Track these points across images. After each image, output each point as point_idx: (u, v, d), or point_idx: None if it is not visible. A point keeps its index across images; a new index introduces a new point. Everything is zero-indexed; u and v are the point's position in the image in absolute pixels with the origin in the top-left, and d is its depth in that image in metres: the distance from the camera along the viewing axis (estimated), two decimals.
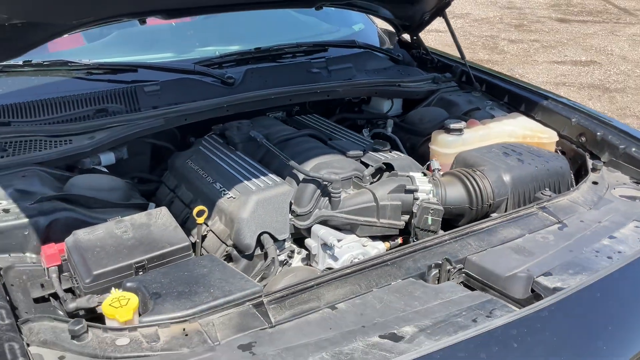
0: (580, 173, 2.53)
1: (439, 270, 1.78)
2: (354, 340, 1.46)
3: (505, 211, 2.24)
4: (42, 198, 1.93)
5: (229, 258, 2.05)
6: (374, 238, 2.16)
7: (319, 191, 2.11)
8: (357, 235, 2.12)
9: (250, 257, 2.05)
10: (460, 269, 1.80)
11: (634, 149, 2.40)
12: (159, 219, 1.91)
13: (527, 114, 2.80)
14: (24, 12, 1.93)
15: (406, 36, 3.55)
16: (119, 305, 1.57)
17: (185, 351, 1.44)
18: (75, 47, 2.93)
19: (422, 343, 1.43)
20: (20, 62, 2.56)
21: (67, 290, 1.76)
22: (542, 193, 2.21)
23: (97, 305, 1.69)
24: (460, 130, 2.50)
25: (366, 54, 3.18)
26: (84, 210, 1.99)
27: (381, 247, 2.12)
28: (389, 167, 2.27)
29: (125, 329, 1.49)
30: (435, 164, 2.25)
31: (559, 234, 1.98)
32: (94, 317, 1.69)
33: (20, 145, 2.23)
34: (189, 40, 3.13)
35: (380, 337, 1.47)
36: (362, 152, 2.30)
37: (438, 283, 1.79)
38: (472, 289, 1.74)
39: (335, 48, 3.20)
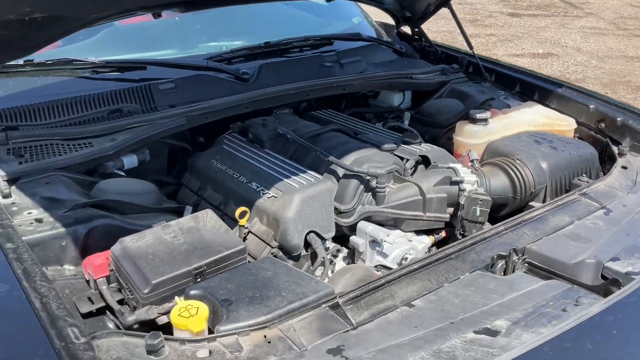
0: (602, 159, 2.54)
1: (506, 261, 1.74)
2: (449, 337, 1.41)
3: (544, 199, 2.22)
4: (76, 205, 1.80)
5: None
6: (418, 232, 2.10)
7: (362, 186, 2.04)
8: (402, 230, 2.06)
9: (296, 258, 1.96)
10: (524, 259, 1.77)
11: None
12: (208, 222, 1.80)
13: (542, 102, 2.80)
14: (48, 5, 1.79)
15: (405, 29, 3.51)
16: (189, 315, 1.46)
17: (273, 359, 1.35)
18: (51, 49, 2.74)
19: (521, 336, 1.39)
20: (21, 62, 2.39)
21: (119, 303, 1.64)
22: (579, 179, 2.21)
23: (157, 317, 1.58)
24: (486, 120, 2.47)
25: (373, 47, 3.13)
26: (120, 216, 1.86)
27: (426, 241, 2.07)
28: (425, 159, 2.22)
29: (203, 339, 1.39)
30: (473, 154, 2.22)
31: (607, 220, 1.97)
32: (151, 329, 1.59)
33: (37, 150, 2.07)
34: (185, 37, 3.00)
35: (475, 332, 1.42)
36: (395, 145, 2.25)
37: (504, 274, 1.75)
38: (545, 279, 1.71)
39: (339, 41, 3.12)
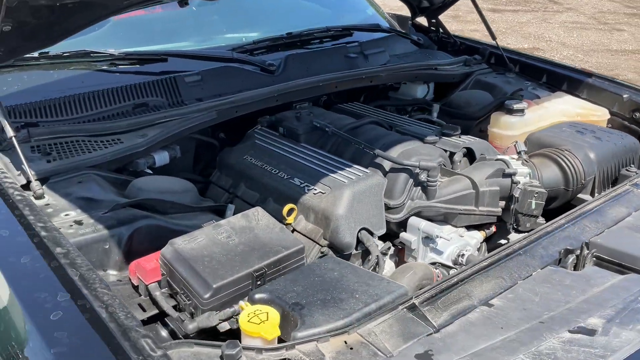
0: None
1: (577, 255, 1.66)
2: (543, 338, 1.32)
3: (592, 190, 2.16)
4: (117, 205, 1.67)
5: None
6: (468, 227, 2.01)
7: (411, 180, 1.95)
8: (453, 226, 1.98)
9: (347, 257, 1.86)
10: (593, 253, 1.69)
11: None
12: (260, 221, 1.68)
13: (572, 92, 2.74)
14: None
15: (420, 20, 3.43)
16: (259, 321, 1.35)
17: None
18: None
19: (620, 334, 1.31)
20: (36, 54, 2.24)
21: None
22: (627, 170, 2.15)
23: (219, 323, 1.46)
24: (522, 111, 2.40)
25: (393, 38, 3.04)
26: (162, 216, 1.74)
27: (478, 236, 1.98)
28: (469, 151, 2.14)
29: (281, 347, 1.28)
30: (520, 145, 2.13)
31: None
32: (211, 337, 1.47)
33: (63, 148, 1.93)
34: (200, 28, 2.87)
35: (570, 332, 1.34)
36: (438, 138, 2.16)
37: (575, 269, 1.67)
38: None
39: (358, 32, 3.03)
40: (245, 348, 1.25)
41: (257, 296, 1.43)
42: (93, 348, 1.11)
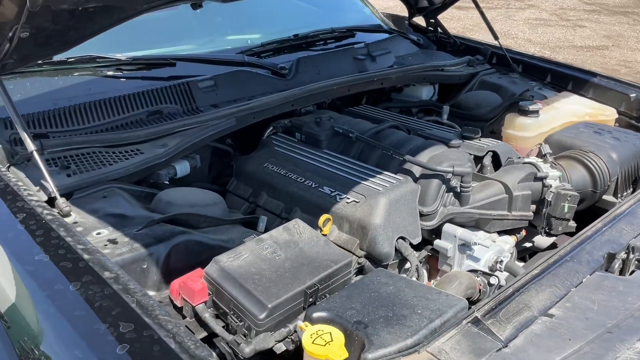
0: None
1: (623, 260, 1.65)
2: (616, 349, 1.30)
3: (615, 191, 2.16)
4: (151, 221, 1.58)
5: (360, 271, 1.79)
6: (499, 232, 1.99)
7: (444, 186, 1.91)
8: (487, 232, 1.95)
9: (385, 267, 1.81)
10: (637, 257, 1.69)
11: None
12: (303, 234, 1.62)
13: (577, 92, 2.75)
14: None
15: (417, 20, 3.40)
16: (324, 342, 1.29)
17: None
18: None
19: None
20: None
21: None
22: None
23: (275, 345, 1.39)
24: (537, 113, 2.39)
25: (396, 39, 3.00)
26: (197, 231, 1.65)
27: (510, 241, 1.96)
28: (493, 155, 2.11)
29: None
30: (546, 147, 2.12)
31: None
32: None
33: (81, 160, 1.83)
34: (203, 31, 2.77)
35: None
36: (461, 141, 2.13)
37: (621, 274, 1.66)
38: None
39: (360, 33, 2.98)
40: None
41: (316, 315, 1.37)
42: None
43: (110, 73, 2.23)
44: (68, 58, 2.16)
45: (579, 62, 8.79)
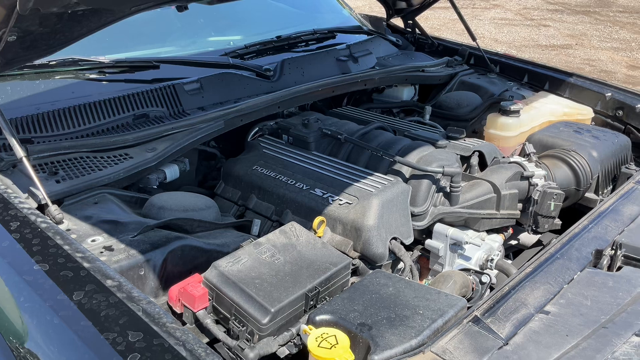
0: None
1: (611, 256, 1.70)
2: (613, 343, 1.33)
3: (597, 188, 2.22)
4: (146, 227, 1.56)
5: (354, 272, 1.80)
6: (488, 231, 2.02)
7: (434, 187, 1.93)
8: (475, 231, 1.98)
9: (379, 268, 1.82)
10: (623, 252, 1.74)
11: None
12: (300, 236, 1.62)
13: (554, 92, 2.81)
14: None
15: (395, 21, 3.43)
16: (329, 345, 1.29)
17: None
18: None
19: None
20: None
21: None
22: (627, 167, 2.22)
23: (278, 349, 1.39)
24: (518, 112, 2.44)
25: (377, 40, 3.02)
26: (191, 236, 1.64)
27: (499, 239, 1.99)
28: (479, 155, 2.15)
29: None
30: (530, 147, 2.16)
31: None
32: None
33: (69, 166, 1.79)
34: (184, 32, 2.74)
35: (637, 335, 1.36)
36: (447, 142, 2.15)
37: (609, 270, 1.71)
38: None
39: (342, 34, 2.99)
40: None
41: (319, 318, 1.37)
42: None
43: (93, 76, 2.19)
44: (49, 61, 2.11)
45: (544, 61, 8.96)
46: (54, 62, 2.12)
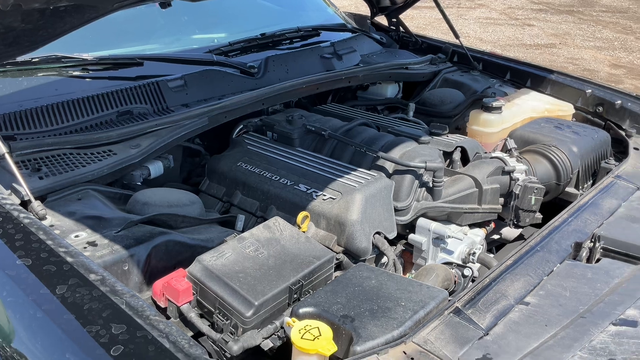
0: None
1: (590, 249, 1.73)
2: (591, 332, 1.36)
3: (577, 183, 2.25)
4: (130, 223, 1.56)
5: (338, 266, 1.82)
6: (470, 226, 2.05)
7: (417, 182, 1.95)
8: (458, 225, 2.00)
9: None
10: (602, 245, 1.77)
11: None
12: (284, 231, 1.63)
13: (536, 89, 2.85)
14: None
15: (379, 19, 3.45)
16: (312, 336, 1.31)
17: None
18: None
19: None
20: None
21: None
22: (606, 162, 2.26)
23: (262, 341, 1.40)
24: (500, 109, 2.46)
25: (361, 38, 3.04)
26: (176, 231, 1.64)
27: (481, 234, 2.02)
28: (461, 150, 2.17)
29: None
30: (511, 142, 2.19)
31: None
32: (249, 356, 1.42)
33: (52, 162, 1.79)
34: (168, 30, 2.74)
35: (614, 325, 1.38)
36: (430, 137, 2.18)
37: (588, 262, 1.74)
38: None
39: (326, 32, 3.01)
40: None
41: (303, 310, 1.39)
42: None
43: (76, 73, 2.18)
44: (32, 58, 2.11)
45: (529, 59, 9.04)
46: (37, 59, 2.12)
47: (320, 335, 1.31)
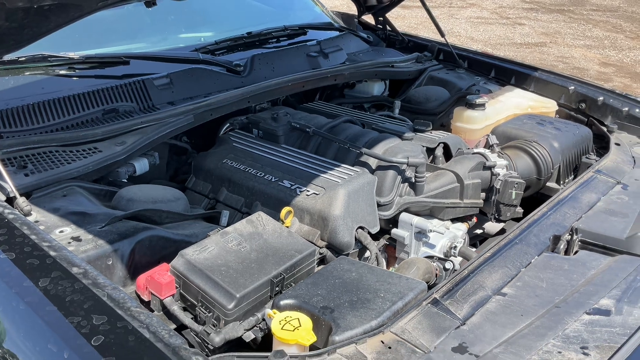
0: None
1: (568, 241, 1.76)
2: (565, 321, 1.39)
3: (558, 178, 2.29)
4: (114, 218, 1.58)
5: (322, 261, 1.84)
6: (452, 220, 2.08)
7: (399, 177, 1.98)
8: (440, 219, 2.03)
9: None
10: (580, 237, 1.80)
11: (637, 110, 2.57)
12: (267, 226, 1.66)
13: (520, 86, 2.88)
14: None
15: (366, 17, 3.48)
16: (292, 327, 1.33)
17: None
18: None
19: (632, 312, 1.41)
20: None
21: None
22: (587, 158, 2.30)
23: (244, 333, 1.43)
24: (483, 105, 2.50)
25: (347, 36, 3.07)
26: (160, 227, 1.67)
27: (463, 228, 2.05)
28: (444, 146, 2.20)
29: (322, 353, 1.27)
30: (493, 138, 2.23)
31: (629, 194, 2.06)
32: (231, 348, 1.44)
33: (38, 160, 1.81)
34: (155, 29, 2.76)
35: (588, 314, 1.42)
36: (414, 134, 2.21)
37: (566, 254, 1.77)
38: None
39: (312, 31, 3.03)
40: (293, 357, 1.23)
41: (283, 302, 1.41)
42: None
43: (62, 72, 2.20)
44: (19, 57, 2.13)
45: (519, 58, 9.09)
46: (24, 58, 2.14)
47: (300, 326, 1.34)
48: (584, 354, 1.29)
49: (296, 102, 2.80)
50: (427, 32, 10.29)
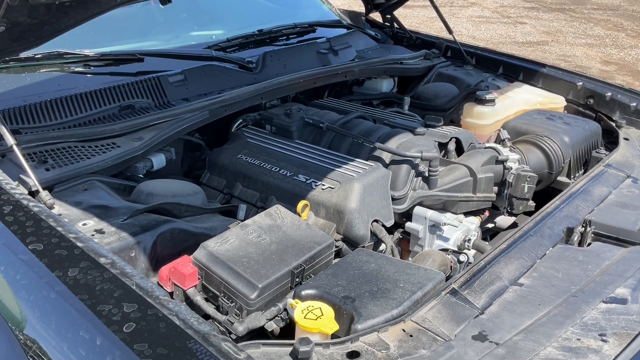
0: None
1: (581, 233, 1.78)
2: (582, 310, 1.42)
3: (569, 172, 2.31)
4: (136, 211, 1.61)
5: (338, 254, 1.87)
6: (465, 214, 2.10)
7: (413, 171, 2.01)
8: (453, 213, 2.06)
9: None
10: (593, 229, 1.83)
11: None
12: (285, 218, 1.68)
13: (528, 82, 2.90)
14: None
15: (373, 15, 3.51)
16: (315, 316, 1.36)
17: (426, 353, 1.29)
18: None
19: None
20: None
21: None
22: (597, 152, 2.32)
23: (266, 323, 1.45)
24: (493, 101, 2.52)
25: (356, 34, 3.09)
26: (181, 220, 1.69)
27: (476, 221, 2.07)
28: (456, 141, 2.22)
29: (346, 340, 1.29)
30: (504, 133, 2.25)
31: (639, 187, 2.09)
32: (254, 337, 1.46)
33: (58, 155, 1.83)
34: (167, 26, 2.79)
35: (604, 302, 1.44)
36: (426, 129, 2.23)
37: (580, 245, 1.80)
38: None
39: (322, 28, 3.06)
40: (316, 344, 1.26)
41: (305, 292, 1.44)
42: (180, 357, 1.08)
43: (78, 69, 2.23)
44: (35, 54, 2.15)
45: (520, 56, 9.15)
46: (40, 56, 2.16)
47: (323, 315, 1.36)
48: (603, 340, 1.31)
49: (306, 99, 2.82)
50: (429, 31, 10.33)
